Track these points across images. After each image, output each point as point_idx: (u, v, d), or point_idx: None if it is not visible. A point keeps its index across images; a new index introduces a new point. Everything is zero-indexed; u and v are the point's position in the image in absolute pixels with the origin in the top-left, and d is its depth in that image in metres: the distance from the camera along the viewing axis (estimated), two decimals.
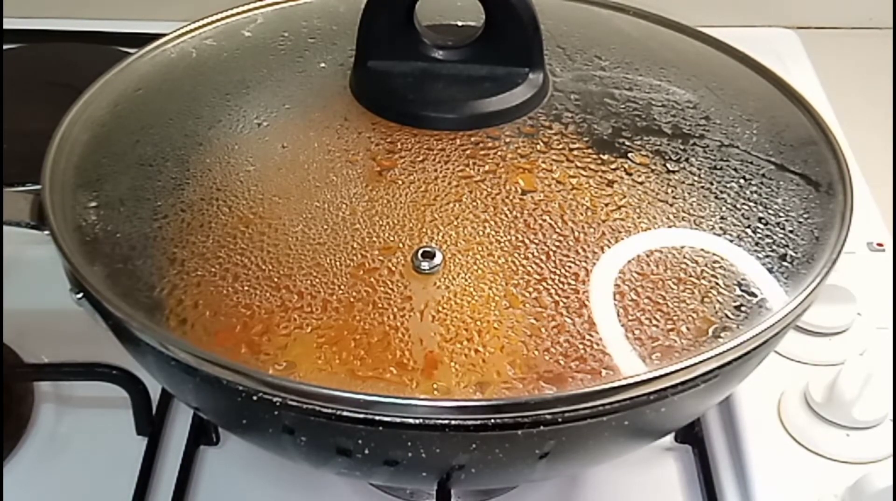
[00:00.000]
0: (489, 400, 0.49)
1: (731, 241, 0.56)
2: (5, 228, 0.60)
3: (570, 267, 0.54)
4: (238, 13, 0.72)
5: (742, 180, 0.60)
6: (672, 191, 0.58)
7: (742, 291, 0.53)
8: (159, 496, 0.66)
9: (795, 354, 0.72)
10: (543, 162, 0.58)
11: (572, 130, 0.60)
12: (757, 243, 0.57)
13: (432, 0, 0.62)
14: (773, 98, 0.67)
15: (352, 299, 0.52)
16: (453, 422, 0.48)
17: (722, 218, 0.58)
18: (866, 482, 0.63)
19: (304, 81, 0.64)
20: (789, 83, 0.68)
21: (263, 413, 0.50)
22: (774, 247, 0.57)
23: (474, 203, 0.56)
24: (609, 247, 0.55)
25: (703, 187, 0.59)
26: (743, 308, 0.54)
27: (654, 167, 0.59)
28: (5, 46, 1.00)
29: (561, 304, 0.53)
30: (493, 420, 0.48)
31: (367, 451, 0.50)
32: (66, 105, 0.64)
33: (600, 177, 0.58)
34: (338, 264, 0.54)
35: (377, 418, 0.48)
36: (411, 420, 0.48)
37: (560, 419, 0.48)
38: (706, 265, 0.55)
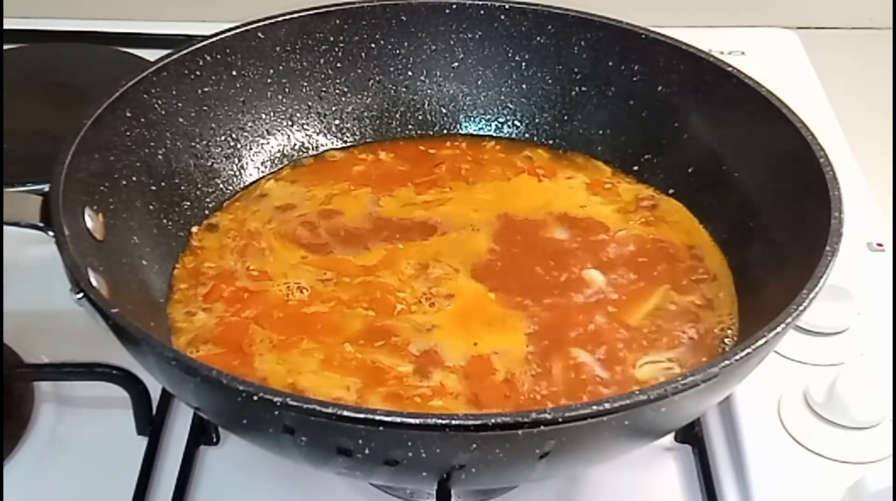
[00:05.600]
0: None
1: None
2: (5, 228, 0.60)
3: None
4: None
5: None
6: None
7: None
8: (159, 496, 0.66)
9: (795, 354, 0.72)
10: None
11: None
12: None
13: None
14: None
15: None
16: (453, 422, 0.48)
17: None
18: (866, 482, 0.63)
19: None
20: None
21: (263, 413, 0.50)
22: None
23: None
24: None
25: None
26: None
27: None
28: (5, 46, 1.00)
29: None
30: (493, 420, 0.48)
31: (367, 451, 0.50)
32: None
33: None
34: None
35: (377, 418, 0.48)
36: (411, 420, 0.48)
37: (560, 419, 0.48)
38: None
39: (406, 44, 0.79)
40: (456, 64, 0.80)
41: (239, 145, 0.76)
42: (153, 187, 0.70)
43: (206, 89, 0.74)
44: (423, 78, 0.80)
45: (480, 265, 0.69)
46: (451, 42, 0.79)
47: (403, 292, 0.67)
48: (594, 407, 0.49)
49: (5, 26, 1.00)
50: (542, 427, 0.48)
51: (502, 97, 0.80)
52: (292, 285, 0.68)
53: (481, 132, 0.80)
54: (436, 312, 0.66)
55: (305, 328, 0.65)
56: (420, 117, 0.80)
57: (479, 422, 0.48)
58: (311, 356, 0.63)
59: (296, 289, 0.67)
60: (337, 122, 0.79)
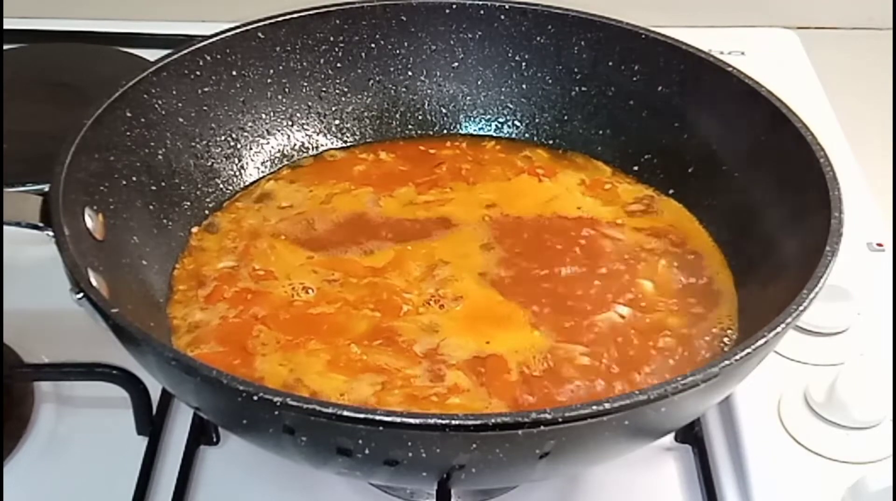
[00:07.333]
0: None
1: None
2: (5, 228, 0.60)
3: None
4: None
5: None
6: None
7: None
8: (159, 496, 0.66)
9: (795, 354, 0.72)
10: None
11: None
12: None
13: None
14: None
15: None
16: (453, 422, 0.48)
17: None
18: (866, 482, 0.63)
19: None
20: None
21: (263, 413, 0.50)
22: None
23: None
24: None
25: None
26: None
27: None
28: (5, 46, 1.00)
29: None
30: (492, 420, 0.48)
31: (367, 451, 0.50)
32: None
33: None
34: None
35: (377, 418, 0.48)
36: (411, 420, 0.48)
37: (560, 419, 0.48)
38: None
39: (406, 44, 0.79)
40: (456, 64, 0.80)
41: (239, 145, 0.76)
42: (153, 187, 0.70)
43: (206, 89, 0.74)
44: (423, 78, 0.80)
45: (486, 266, 0.69)
46: (451, 42, 0.79)
47: (410, 293, 0.67)
48: (594, 407, 0.49)
49: (5, 26, 1.00)
50: (542, 427, 0.48)
51: (502, 97, 0.80)
52: (297, 285, 0.68)
53: (481, 132, 0.81)
54: (444, 313, 0.66)
55: (311, 328, 0.65)
56: (420, 117, 0.80)
57: (478, 422, 0.48)
58: (316, 357, 0.63)
59: (301, 290, 0.67)
60: (337, 122, 0.79)
